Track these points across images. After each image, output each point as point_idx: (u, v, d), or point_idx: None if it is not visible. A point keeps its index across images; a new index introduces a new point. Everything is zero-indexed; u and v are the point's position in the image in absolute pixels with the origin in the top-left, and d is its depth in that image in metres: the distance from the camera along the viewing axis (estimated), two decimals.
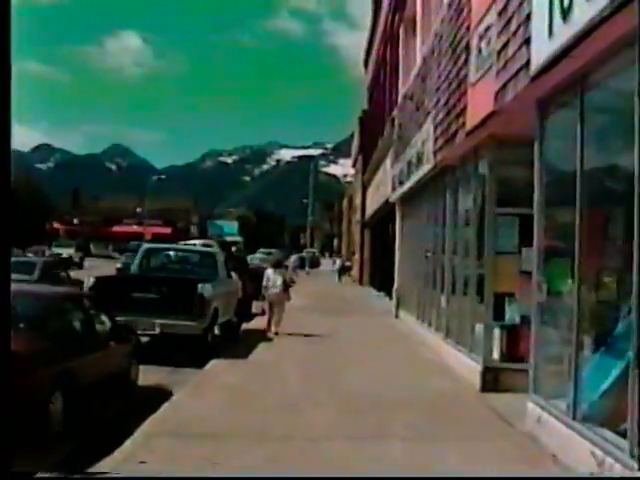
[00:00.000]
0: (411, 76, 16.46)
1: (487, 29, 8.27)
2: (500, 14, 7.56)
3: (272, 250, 52.13)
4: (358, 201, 44.73)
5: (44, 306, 7.10)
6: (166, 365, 10.80)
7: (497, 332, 9.24)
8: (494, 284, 9.24)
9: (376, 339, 14.98)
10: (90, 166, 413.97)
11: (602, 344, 5.92)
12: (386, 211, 23.71)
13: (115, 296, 11.30)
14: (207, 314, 11.50)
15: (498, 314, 9.36)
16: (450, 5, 10.88)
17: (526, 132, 8.22)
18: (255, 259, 37.76)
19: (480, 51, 8.61)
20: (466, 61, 9.52)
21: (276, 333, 14.62)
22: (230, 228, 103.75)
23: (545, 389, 6.96)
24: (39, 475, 5.48)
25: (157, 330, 11.15)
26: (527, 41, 6.47)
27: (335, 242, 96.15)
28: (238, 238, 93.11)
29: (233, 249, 59.93)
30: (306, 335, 14.80)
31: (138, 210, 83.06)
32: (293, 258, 52.68)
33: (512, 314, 9.19)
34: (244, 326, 15.90)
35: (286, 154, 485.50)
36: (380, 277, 28.57)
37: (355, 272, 45.27)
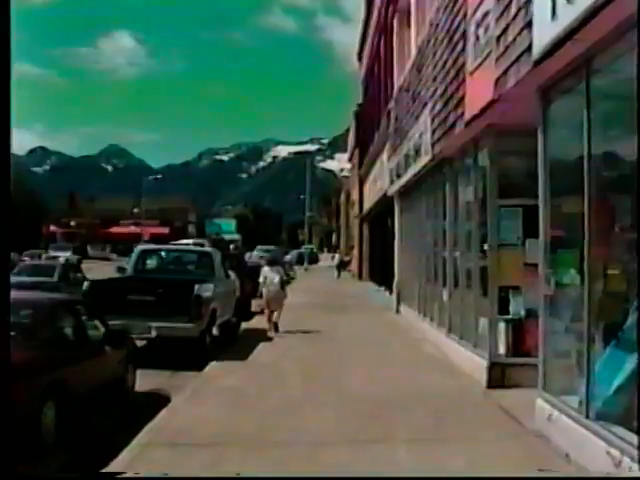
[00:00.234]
0: (406, 68, 16.18)
1: (485, 15, 8.00)
2: None
3: (270, 247, 51.89)
4: (355, 196, 44.50)
5: (35, 313, 6.84)
6: (165, 369, 10.56)
7: (502, 326, 9.00)
8: (498, 277, 9.00)
9: (377, 335, 14.74)
10: (86, 168, 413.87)
11: (613, 337, 5.69)
12: (384, 205, 23.46)
13: (110, 300, 11.06)
14: (204, 315, 11.25)
15: (502, 308, 9.13)
16: None
17: (527, 121, 7.97)
18: (253, 257, 37.45)
19: (478, 38, 8.35)
20: (463, 49, 9.25)
21: (276, 327, 14.52)
22: (228, 226, 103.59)
23: (555, 385, 6.72)
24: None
25: (153, 333, 10.90)
26: (529, 25, 6.21)
27: (333, 237, 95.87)
28: (236, 236, 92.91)
29: (231, 247, 59.83)
30: (306, 333, 14.58)
31: (135, 211, 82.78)
32: (291, 254, 52.52)
33: (517, 308, 8.95)
34: (244, 325, 15.66)
35: (282, 150, 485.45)
36: (379, 272, 28.33)
37: (354, 267, 45.04)
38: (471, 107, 8.77)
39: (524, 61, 6.43)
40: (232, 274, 15.27)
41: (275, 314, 14.83)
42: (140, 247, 14.16)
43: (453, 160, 11.28)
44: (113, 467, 5.80)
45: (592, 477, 5.66)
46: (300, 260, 57.05)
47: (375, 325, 16.64)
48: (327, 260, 67.50)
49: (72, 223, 79.51)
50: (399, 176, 16.93)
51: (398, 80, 17.93)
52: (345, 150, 68.21)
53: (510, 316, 8.99)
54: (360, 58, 38.16)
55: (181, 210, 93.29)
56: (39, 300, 7.04)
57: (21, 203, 57.26)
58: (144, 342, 11.83)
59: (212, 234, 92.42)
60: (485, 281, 9.44)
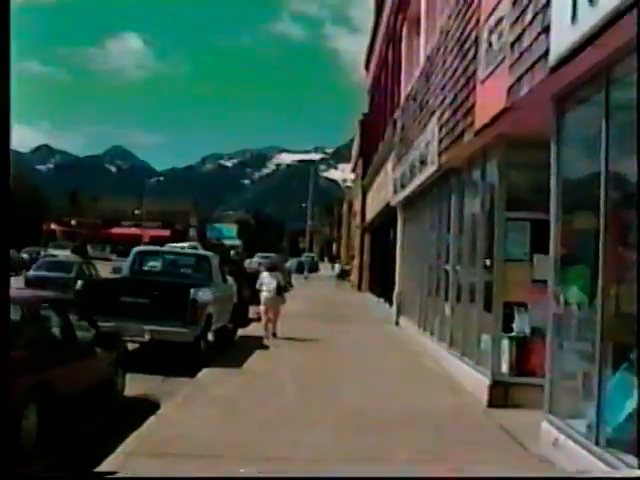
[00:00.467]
0: (414, 76, 15.95)
1: (499, 21, 7.75)
2: (514, 3, 7.03)
3: (271, 255, 51.60)
4: (358, 206, 44.22)
5: (18, 312, 6.54)
6: (156, 373, 10.27)
7: (506, 344, 8.70)
8: (503, 293, 8.71)
9: (376, 348, 14.42)
10: (90, 168, 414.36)
11: (625, 360, 5.40)
12: (387, 215, 23.18)
13: (104, 300, 10.81)
14: (200, 320, 10.96)
15: (506, 325, 8.84)
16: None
17: (538, 131, 7.73)
18: (253, 263, 37.15)
19: (491, 45, 8.09)
20: (475, 57, 9.00)
21: (274, 335, 14.41)
22: (229, 231, 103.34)
23: (561, 408, 6.43)
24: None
25: (147, 337, 10.62)
26: (546, 30, 5.96)
27: (334, 247, 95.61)
28: (237, 242, 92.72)
29: (232, 252, 59.52)
30: (303, 342, 14.28)
31: (137, 212, 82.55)
32: (290, 262, 52.21)
33: (522, 325, 8.66)
34: (240, 332, 15.35)
35: (286, 158, 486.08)
36: (380, 283, 28.01)
37: (354, 277, 44.71)
38: (481, 116, 8.51)
39: (539, 68, 6.17)
40: (230, 279, 15.00)
41: (272, 320, 14.67)
42: (137, 248, 13.87)
43: (460, 170, 11.01)
44: None
45: (592, 477, 5.41)
46: (300, 269, 56.72)
47: (374, 337, 16.32)
48: (327, 269, 67.22)
49: (73, 222, 79.28)
50: (403, 186, 16.67)
51: (405, 89, 17.70)
52: (349, 160, 68.07)
53: (514, 333, 8.69)
54: (367, 67, 37.97)
55: (183, 213, 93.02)
56: (25, 298, 6.75)
57: (22, 200, 57.08)
58: (137, 345, 11.62)
59: (213, 238, 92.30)
60: (489, 296, 9.15)
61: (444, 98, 11.13)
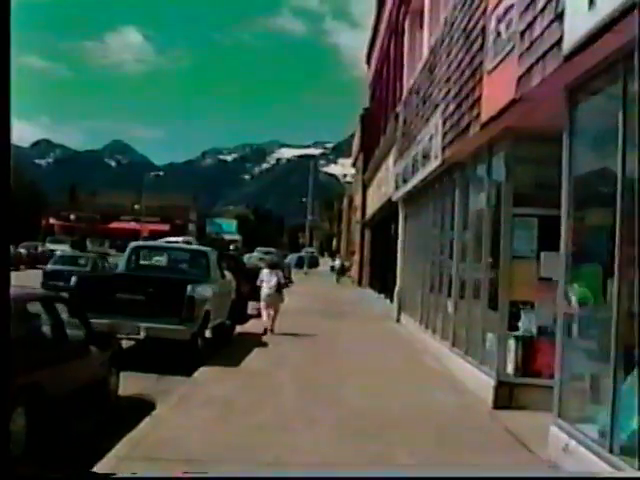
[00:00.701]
0: (417, 69, 15.66)
1: (508, 9, 7.46)
2: None
3: (270, 249, 51.32)
4: (358, 201, 43.93)
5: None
6: (151, 372, 10.02)
7: (512, 343, 8.43)
8: (509, 291, 8.44)
9: (377, 345, 14.17)
10: (90, 162, 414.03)
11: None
12: (388, 211, 22.92)
13: (99, 297, 10.55)
14: (197, 317, 10.68)
15: (511, 324, 8.58)
16: None
17: (548, 124, 7.47)
18: (253, 258, 36.85)
19: (499, 35, 7.81)
20: (481, 47, 8.72)
21: (271, 330, 14.43)
22: (229, 226, 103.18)
23: (571, 412, 6.17)
24: None
25: (142, 334, 10.34)
26: (559, 16, 5.67)
27: (334, 242, 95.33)
28: (237, 237, 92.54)
29: (231, 247, 59.16)
30: (303, 340, 14.04)
31: (136, 207, 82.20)
32: (290, 258, 51.92)
33: (529, 324, 8.39)
34: (239, 329, 15.09)
35: (286, 153, 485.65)
36: (380, 279, 27.76)
37: (354, 273, 44.45)
38: (488, 108, 8.23)
39: (552, 57, 5.89)
40: (229, 275, 14.74)
41: (271, 317, 14.73)
42: (133, 244, 13.56)
43: (465, 165, 10.74)
44: None
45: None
46: (300, 264, 56.45)
47: (375, 334, 16.06)
48: (327, 265, 66.93)
49: (72, 217, 78.98)
50: (405, 181, 16.39)
51: (408, 82, 17.41)
52: (349, 155, 67.75)
53: (520, 333, 8.43)
54: (368, 61, 37.65)
55: (182, 208, 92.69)
56: (13, 295, 6.45)
57: (20, 195, 56.77)
58: (132, 343, 11.37)
59: (212, 233, 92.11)
60: (494, 294, 8.89)
61: (448, 91, 10.84)
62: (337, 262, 49.24)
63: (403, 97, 18.21)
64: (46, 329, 6.75)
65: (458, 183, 11.22)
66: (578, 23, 5.22)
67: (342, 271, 45.44)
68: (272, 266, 15.84)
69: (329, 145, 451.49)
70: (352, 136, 57.93)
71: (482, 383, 8.89)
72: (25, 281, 13.35)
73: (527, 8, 6.66)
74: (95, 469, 5.59)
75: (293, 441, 6.54)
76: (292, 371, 10.33)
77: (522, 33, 6.77)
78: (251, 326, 16.10)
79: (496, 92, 7.90)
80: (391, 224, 22.26)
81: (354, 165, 51.98)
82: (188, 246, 17.71)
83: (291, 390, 8.90)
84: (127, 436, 6.55)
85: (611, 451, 5.13)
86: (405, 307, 17.86)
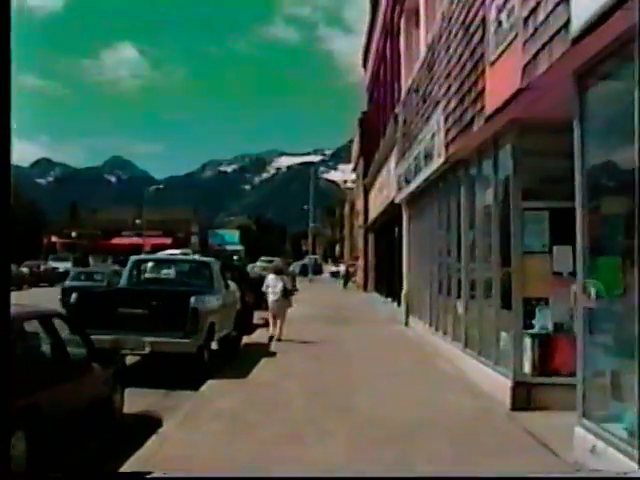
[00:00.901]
0: (415, 68, 15.44)
1: None
2: None
3: (274, 258, 51.10)
4: (360, 206, 43.70)
5: None
6: (158, 387, 9.77)
7: (528, 342, 8.16)
8: (523, 288, 8.17)
9: (387, 350, 13.87)
10: (90, 179, 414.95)
11: None
12: (391, 213, 22.67)
13: (100, 313, 10.30)
14: (202, 330, 10.41)
15: (525, 321, 8.30)
16: None
17: (554, 114, 7.24)
18: (256, 268, 36.60)
19: (500, 24, 7.56)
20: (482, 39, 8.48)
21: (279, 339, 14.30)
22: (231, 237, 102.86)
23: (597, 411, 5.89)
24: None
25: (147, 349, 10.08)
26: None
27: (337, 248, 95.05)
28: (239, 247, 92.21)
29: (234, 258, 58.98)
30: (311, 348, 13.78)
31: (137, 222, 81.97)
32: (293, 266, 51.70)
33: (544, 321, 8.12)
34: (245, 339, 14.83)
35: (285, 161, 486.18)
36: (386, 282, 27.49)
37: (359, 278, 44.17)
38: (492, 100, 7.98)
39: (559, 41, 5.64)
40: (233, 285, 14.49)
41: (278, 323, 14.64)
42: (134, 257, 13.31)
43: (469, 161, 10.48)
44: None
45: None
46: (304, 271, 56.27)
47: (384, 338, 15.77)
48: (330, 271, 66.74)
49: (73, 234, 78.78)
50: (408, 182, 16.14)
51: (406, 82, 17.19)
52: (348, 161, 67.52)
53: (536, 330, 8.16)
54: (365, 65, 37.49)
55: (184, 221, 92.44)
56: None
57: (21, 214, 56.63)
58: (138, 358, 11.13)
59: (215, 245, 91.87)
60: (506, 292, 8.62)
61: (449, 86, 10.61)
62: (342, 268, 48.96)
63: (402, 97, 18.00)
64: (45, 348, 6.49)
65: (463, 180, 10.97)
66: (586, 2, 4.97)
67: (347, 276, 45.22)
68: (278, 271, 15.74)
69: (328, 152, 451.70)
70: (351, 142, 57.76)
71: (498, 384, 8.61)
72: (37, 300, 13.11)
73: None
74: None
75: (306, 455, 6.27)
76: (301, 381, 10.05)
77: (525, 19, 6.53)
78: (258, 336, 15.84)
79: (500, 83, 7.65)
80: (395, 227, 22.01)
81: (354, 170, 51.77)
82: (191, 257, 17.49)
83: (301, 401, 8.62)
84: (134, 455, 6.31)
85: None
86: (413, 310, 17.58)
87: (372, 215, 32.97)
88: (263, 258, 50.32)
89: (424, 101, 13.41)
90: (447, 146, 10.90)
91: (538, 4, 6.16)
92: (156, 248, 56.56)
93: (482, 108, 8.44)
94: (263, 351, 13.17)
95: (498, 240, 8.92)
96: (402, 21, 18.55)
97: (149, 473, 5.55)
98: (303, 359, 12.29)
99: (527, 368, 8.14)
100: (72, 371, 6.76)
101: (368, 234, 39.00)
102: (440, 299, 13.38)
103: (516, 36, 6.85)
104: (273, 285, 14.79)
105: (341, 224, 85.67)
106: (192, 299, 10.19)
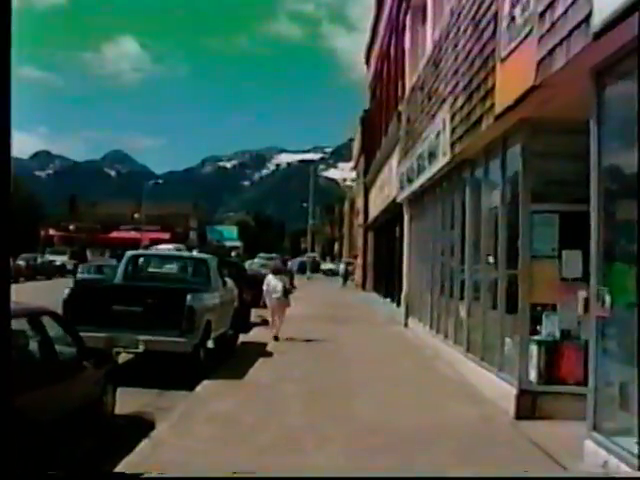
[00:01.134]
0: (420, 66, 15.17)
1: None
2: None
3: (273, 255, 50.90)
4: (360, 204, 43.43)
5: None
6: (152, 387, 9.50)
7: (534, 349, 7.89)
8: (530, 293, 7.90)
9: (386, 352, 13.61)
10: (89, 173, 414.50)
11: None
12: (392, 212, 22.40)
13: (94, 309, 10.02)
14: (198, 328, 10.13)
15: (531, 327, 8.04)
16: None
17: (566, 114, 7.01)
18: (254, 264, 36.34)
19: (513, 19, 7.29)
20: (493, 34, 8.20)
21: (276, 338, 14.34)
22: (230, 233, 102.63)
23: (607, 423, 5.63)
24: None
25: (141, 348, 9.81)
26: None
27: (336, 246, 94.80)
28: (238, 243, 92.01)
29: (233, 254, 58.73)
30: (309, 348, 13.53)
31: (136, 216, 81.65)
32: (292, 262, 51.47)
33: (551, 328, 7.85)
34: (242, 338, 14.56)
35: (285, 158, 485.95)
36: (385, 282, 27.22)
37: (357, 277, 43.90)
38: (503, 98, 7.71)
39: (579, 35, 5.37)
40: (230, 282, 14.21)
41: (277, 322, 14.72)
42: (130, 253, 13.00)
43: (476, 161, 10.21)
44: None
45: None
46: (302, 269, 56.05)
47: (383, 340, 15.51)
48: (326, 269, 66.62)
49: (71, 227, 78.44)
50: (410, 181, 15.86)
51: (410, 79, 16.91)
52: (348, 160, 67.33)
53: (543, 337, 7.89)
54: (368, 62, 37.18)
55: (182, 216, 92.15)
56: None
57: (19, 207, 56.27)
58: (131, 356, 10.87)
59: (214, 240, 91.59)
60: (512, 296, 8.36)
61: (457, 83, 10.33)
62: (341, 266, 48.73)
63: (406, 95, 17.72)
64: (32, 347, 6.21)
65: (469, 180, 10.70)
66: None
67: (346, 275, 45.01)
68: (276, 271, 15.78)
69: (328, 150, 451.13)
70: (351, 140, 57.42)
71: (502, 391, 8.35)
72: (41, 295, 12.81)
73: None
74: None
75: (302, 462, 6.00)
76: (299, 383, 9.78)
77: (542, 14, 6.25)
78: (255, 335, 15.60)
79: (511, 80, 7.38)
80: (395, 226, 21.74)
81: (355, 168, 51.49)
82: (187, 254, 17.21)
83: (299, 404, 8.34)
84: (123, 462, 6.03)
85: None
86: (413, 311, 17.32)
87: (372, 214, 32.71)
88: (262, 255, 50.05)
89: (429, 99, 13.14)
90: (453, 145, 10.63)
91: None
92: (154, 243, 56.35)
93: (491, 106, 8.17)
94: (260, 350, 12.91)
95: (505, 243, 8.65)
96: (408, 18, 18.28)
97: (143, 473, 5.36)
98: (301, 360, 12.03)
99: (533, 376, 7.87)
100: (60, 371, 6.47)
101: (368, 233, 38.73)
102: (442, 301, 13.12)
103: (531, 31, 6.58)
104: (274, 285, 14.85)
105: (340, 222, 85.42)
106: (188, 297, 9.91)
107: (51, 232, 73.28)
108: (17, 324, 6.04)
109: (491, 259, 9.40)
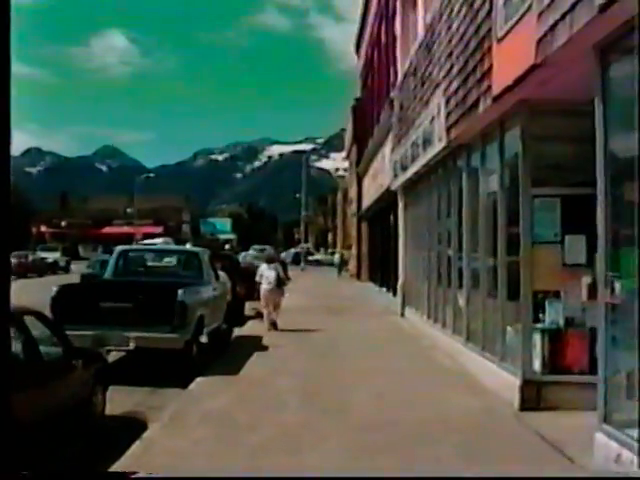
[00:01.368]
0: (412, 51, 14.86)
1: None
2: None
3: (266, 247, 50.59)
4: (353, 193, 43.16)
5: None
6: (144, 385, 9.25)
7: (537, 337, 7.65)
8: (532, 280, 7.65)
9: (383, 343, 13.36)
10: (81, 168, 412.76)
11: None
12: (385, 201, 22.12)
13: (83, 307, 9.73)
14: (190, 324, 9.85)
15: (534, 315, 7.80)
16: None
17: (567, 95, 6.74)
18: (248, 257, 36.03)
19: None
20: (489, 13, 7.91)
21: (275, 328, 14.40)
22: (223, 225, 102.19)
23: (619, 414, 5.40)
24: None
25: (132, 345, 9.52)
26: None
27: (330, 236, 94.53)
28: (231, 236, 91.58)
29: (226, 247, 58.40)
30: (305, 341, 13.26)
31: (128, 210, 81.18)
32: (285, 253, 51.21)
33: (555, 316, 7.61)
34: (236, 332, 14.30)
35: (277, 150, 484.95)
36: (380, 272, 26.98)
37: (352, 267, 43.67)
38: (500, 79, 7.43)
39: (582, 8, 5.09)
40: (223, 275, 13.94)
41: (273, 313, 14.69)
42: (120, 248, 12.68)
43: (472, 145, 9.94)
44: None
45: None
46: (296, 260, 55.85)
47: (380, 331, 15.26)
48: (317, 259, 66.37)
49: (63, 223, 77.92)
50: (404, 169, 15.59)
51: (402, 66, 16.60)
52: (340, 150, 66.97)
53: (546, 325, 7.65)
54: (358, 51, 36.80)
55: (175, 209, 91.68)
56: None
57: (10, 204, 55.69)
58: (122, 354, 10.60)
59: (207, 233, 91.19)
60: (513, 283, 8.11)
61: (451, 67, 10.04)
62: (336, 257, 48.48)
63: (398, 81, 17.41)
64: (15, 347, 5.92)
65: (465, 166, 10.43)
66: None
67: (341, 264, 44.82)
68: (270, 260, 15.70)
69: (320, 140, 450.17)
70: (343, 130, 57.06)
71: (504, 382, 8.12)
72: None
73: None
74: None
75: (298, 463, 5.74)
76: (295, 378, 9.52)
77: None
78: (249, 328, 15.35)
79: (509, 61, 7.10)
80: (390, 214, 21.47)
81: (347, 157, 51.14)
82: (178, 247, 16.91)
83: (295, 401, 8.08)
84: (114, 465, 5.77)
85: None
86: (409, 301, 17.09)
87: (366, 203, 32.44)
88: (255, 246, 49.73)
89: (422, 84, 12.84)
90: (448, 130, 10.36)
91: None
92: (148, 237, 55.96)
93: (488, 88, 7.89)
94: (255, 344, 12.65)
95: (504, 229, 8.40)
96: (398, 3, 17.93)
97: (134, 473, 5.23)
98: (296, 353, 11.77)
99: (537, 365, 7.64)
100: (44, 372, 6.19)
101: (361, 222, 38.47)
102: (439, 290, 12.87)
103: (530, 7, 6.30)
104: (267, 275, 14.74)
105: (333, 212, 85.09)
106: (179, 292, 9.62)
107: (42, 229, 72.79)
108: None
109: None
